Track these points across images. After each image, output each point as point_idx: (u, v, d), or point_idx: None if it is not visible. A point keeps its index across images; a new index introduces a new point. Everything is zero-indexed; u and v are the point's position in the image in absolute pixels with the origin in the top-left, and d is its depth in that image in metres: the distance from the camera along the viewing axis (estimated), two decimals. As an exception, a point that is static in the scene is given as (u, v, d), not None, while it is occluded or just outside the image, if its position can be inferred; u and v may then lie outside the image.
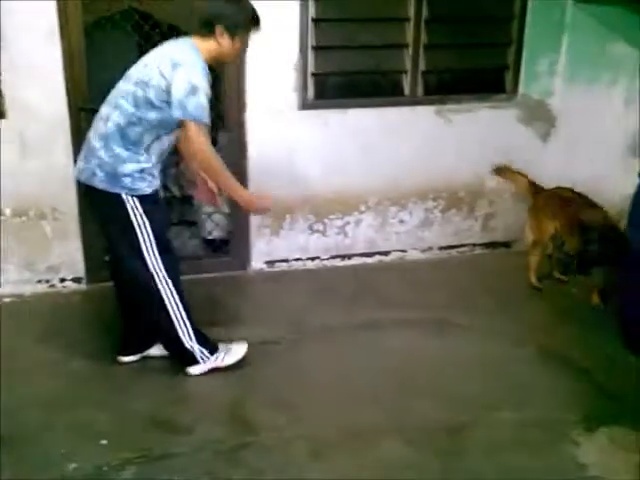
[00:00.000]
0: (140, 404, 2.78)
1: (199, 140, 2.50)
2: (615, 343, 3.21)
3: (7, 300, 3.65)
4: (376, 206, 4.21)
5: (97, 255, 3.86)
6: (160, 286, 2.75)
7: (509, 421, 2.68)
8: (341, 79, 4.04)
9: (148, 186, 2.69)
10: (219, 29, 2.56)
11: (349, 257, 4.27)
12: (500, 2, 4.10)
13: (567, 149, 4.23)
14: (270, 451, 2.49)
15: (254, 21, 2.63)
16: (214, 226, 4.15)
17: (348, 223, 4.21)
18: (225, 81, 3.86)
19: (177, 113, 2.48)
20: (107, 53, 4.20)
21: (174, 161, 3.92)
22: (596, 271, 3.39)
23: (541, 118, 4.29)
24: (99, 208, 2.78)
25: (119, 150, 2.60)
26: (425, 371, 3.06)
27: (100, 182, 2.64)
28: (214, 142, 4.16)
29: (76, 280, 3.86)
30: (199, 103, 2.45)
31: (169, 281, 2.76)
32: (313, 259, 4.22)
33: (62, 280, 3.84)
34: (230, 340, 3.04)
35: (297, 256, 4.17)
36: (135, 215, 2.66)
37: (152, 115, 2.56)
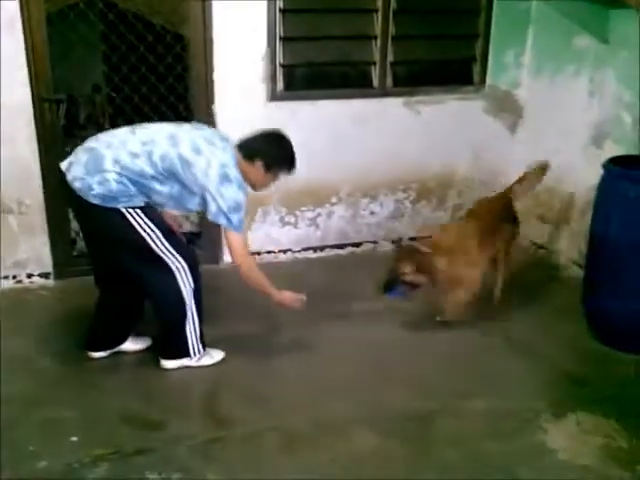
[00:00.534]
0: (111, 400, 2.75)
1: (243, 252, 2.80)
2: (582, 332, 3.29)
3: (-28, 297, 3.58)
4: (347, 197, 4.22)
5: (64, 250, 3.80)
6: (180, 279, 2.78)
7: (479, 410, 2.73)
8: (310, 70, 4.04)
9: (141, 200, 2.71)
10: (258, 161, 2.77)
11: (321, 249, 4.28)
12: (468, -6, 4.14)
13: (534, 140, 4.29)
14: (243, 445, 2.50)
15: (290, 165, 2.87)
16: (186, 220, 4.12)
17: (319, 215, 4.22)
18: (193, 72, 3.82)
19: (222, 222, 2.72)
20: (71, 43, 4.13)
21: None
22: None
23: (509, 109, 4.34)
24: (92, 220, 2.74)
25: (130, 185, 2.63)
26: (396, 362, 3.09)
27: (94, 198, 2.62)
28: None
29: (43, 275, 3.79)
30: (241, 219, 2.74)
31: (188, 273, 2.79)
32: (285, 251, 4.22)
33: (29, 276, 3.77)
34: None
35: (269, 249, 4.17)
36: (138, 223, 2.67)
37: (176, 188, 2.71)
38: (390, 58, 4.04)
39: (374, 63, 4.04)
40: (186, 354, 2.93)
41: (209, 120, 3.79)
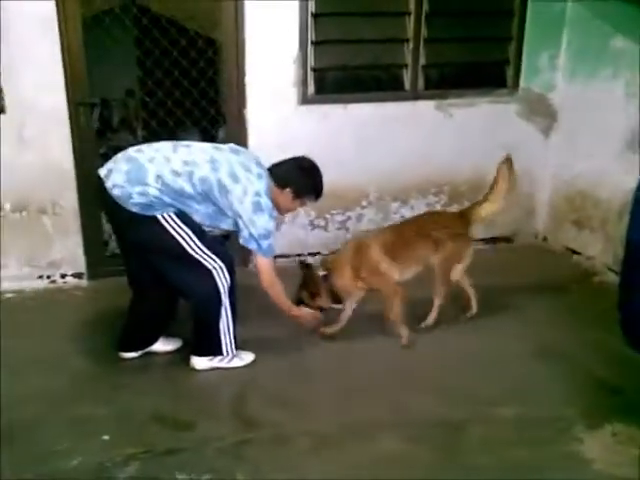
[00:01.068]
0: (142, 400, 2.77)
1: (271, 277, 2.90)
2: (616, 339, 3.21)
3: (8, 296, 3.65)
4: (377, 201, 4.20)
5: (98, 250, 3.86)
6: (217, 278, 2.83)
7: (509, 417, 2.68)
8: (341, 74, 4.04)
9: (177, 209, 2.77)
10: (288, 189, 2.91)
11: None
12: (501, -4, 4.09)
13: (568, 144, 4.23)
14: (271, 447, 2.50)
15: (317, 194, 3.02)
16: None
17: (349, 218, 4.21)
18: (225, 76, 3.85)
19: (253, 247, 2.83)
20: (105, 47, 4.21)
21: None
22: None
23: (542, 112, 4.28)
24: (128, 226, 2.78)
25: (169, 200, 2.70)
26: (425, 367, 3.06)
27: (133, 206, 2.67)
28: (214, 139, 4.18)
29: (77, 275, 3.86)
30: (270, 244, 2.85)
31: (225, 271, 2.84)
32: (314, 254, 4.22)
33: (63, 276, 3.84)
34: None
35: (298, 252, 4.17)
36: (173, 228, 2.72)
37: (212, 208, 2.81)
38: (422, 61, 4.02)
39: (406, 66, 4.02)
40: (219, 352, 2.95)
41: (240, 124, 3.82)
